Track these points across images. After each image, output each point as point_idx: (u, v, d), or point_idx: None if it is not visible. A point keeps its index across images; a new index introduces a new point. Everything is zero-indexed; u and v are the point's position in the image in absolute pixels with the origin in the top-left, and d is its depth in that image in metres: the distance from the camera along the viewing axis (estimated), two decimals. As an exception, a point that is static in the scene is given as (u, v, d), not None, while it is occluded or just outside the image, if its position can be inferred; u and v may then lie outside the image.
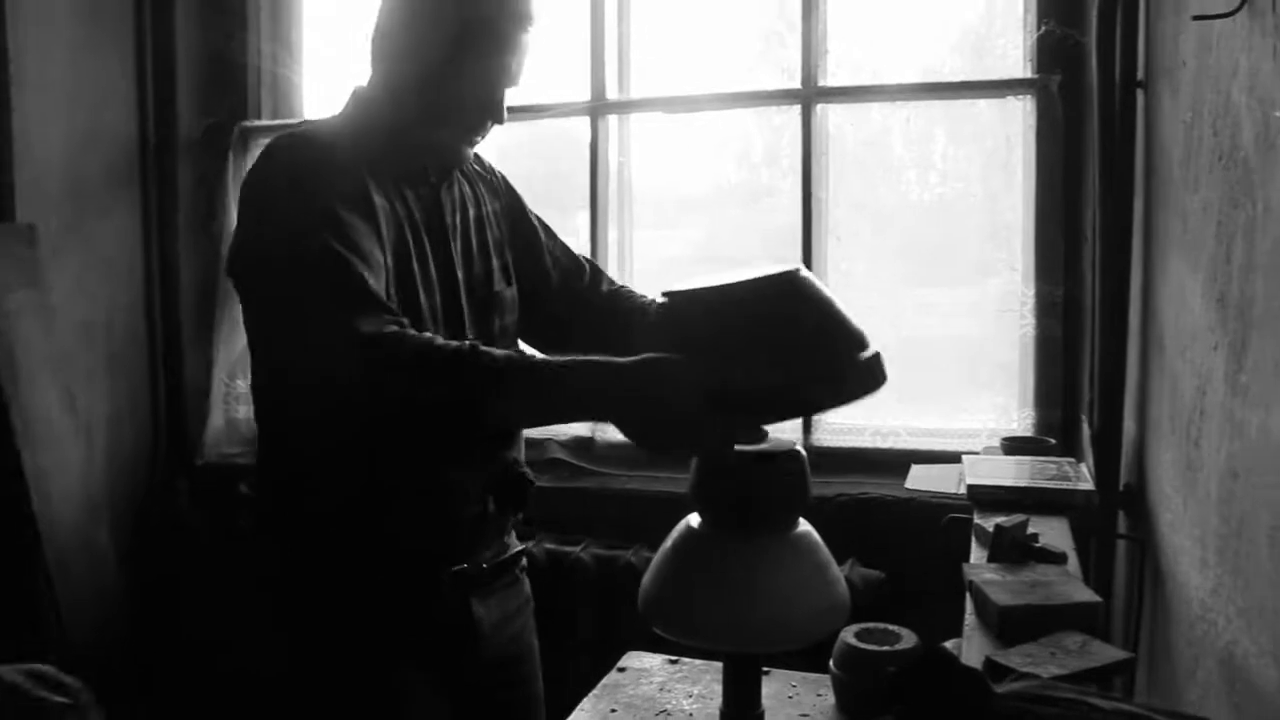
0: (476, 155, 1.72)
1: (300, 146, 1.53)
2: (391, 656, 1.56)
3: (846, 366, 1.34)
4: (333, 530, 1.55)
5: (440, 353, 1.33)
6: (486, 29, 1.53)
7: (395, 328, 1.36)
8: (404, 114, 1.56)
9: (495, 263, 1.70)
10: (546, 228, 1.83)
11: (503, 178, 1.81)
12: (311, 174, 1.46)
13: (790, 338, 1.33)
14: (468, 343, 1.36)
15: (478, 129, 1.60)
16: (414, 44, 1.54)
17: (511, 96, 1.61)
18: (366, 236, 1.44)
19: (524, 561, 1.78)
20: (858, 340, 1.38)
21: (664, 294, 1.45)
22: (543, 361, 1.39)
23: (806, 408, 1.34)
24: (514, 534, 1.76)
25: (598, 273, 1.87)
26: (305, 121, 1.60)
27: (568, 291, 1.80)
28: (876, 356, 1.37)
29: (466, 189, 1.70)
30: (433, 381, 1.34)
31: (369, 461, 1.51)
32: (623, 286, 1.86)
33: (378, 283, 1.41)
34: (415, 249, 1.54)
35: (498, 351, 1.36)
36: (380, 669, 1.55)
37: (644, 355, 1.34)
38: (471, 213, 1.68)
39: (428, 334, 1.38)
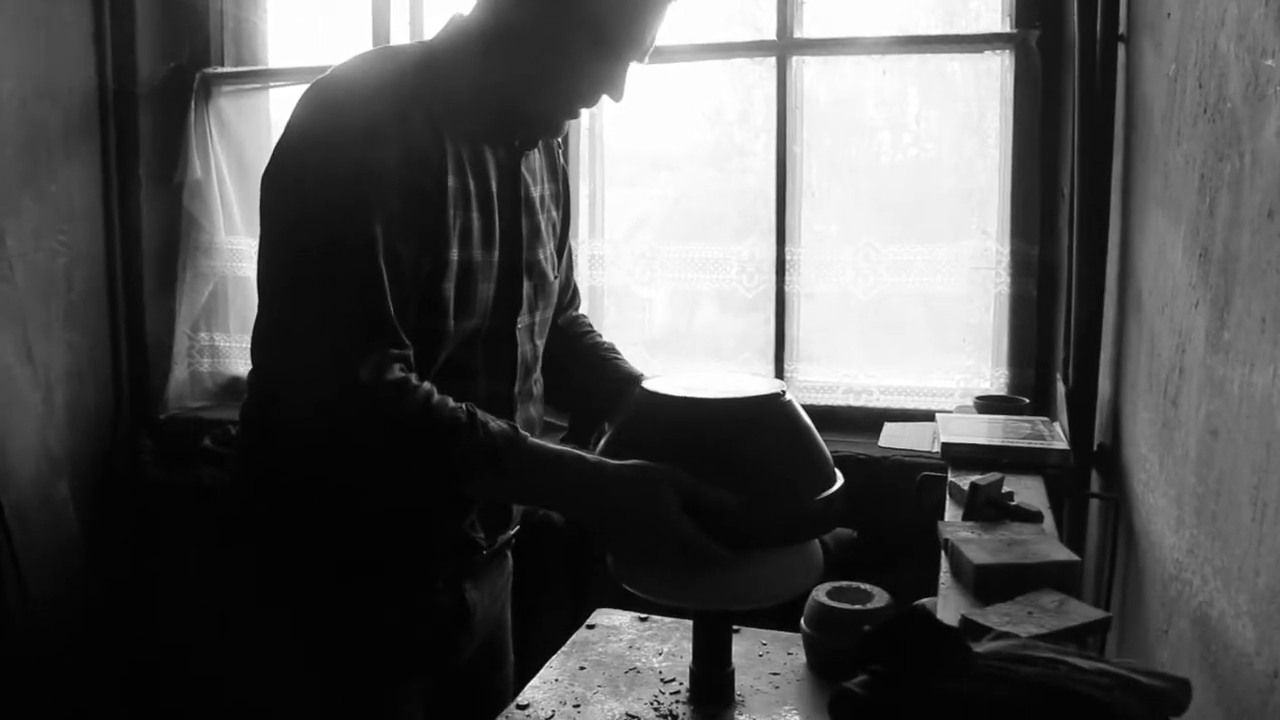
0: None
1: (380, 94, 1.33)
2: (382, 648, 1.48)
3: (797, 515, 1.37)
4: (319, 515, 1.45)
5: (437, 419, 1.27)
6: (646, 5, 1.37)
7: (399, 371, 1.27)
8: (511, 68, 1.39)
9: (550, 248, 1.60)
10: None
11: (561, 159, 1.68)
12: (381, 136, 1.29)
13: (757, 469, 1.35)
14: (465, 410, 1.29)
15: (590, 105, 1.46)
16: (549, 5, 1.35)
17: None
18: (415, 237, 1.31)
19: (514, 541, 1.71)
20: (824, 477, 1.41)
21: (644, 388, 1.45)
22: (537, 448, 1.33)
23: (751, 541, 1.35)
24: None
25: (576, 296, 1.83)
26: (378, 55, 1.43)
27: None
28: (837, 494, 1.40)
29: (538, 160, 1.58)
30: (422, 449, 1.28)
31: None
32: (580, 315, 1.83)
33: (405, 299, 1.31)
34: (483, 232, 1.42)
35: (494, 425, 1.30)
36: (370, 658, 1.48)
37: (633, 462, 1.33)
38: (538, 190, 1.56)
39: (427, 389, 1.29)
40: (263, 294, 1.36)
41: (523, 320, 1.53)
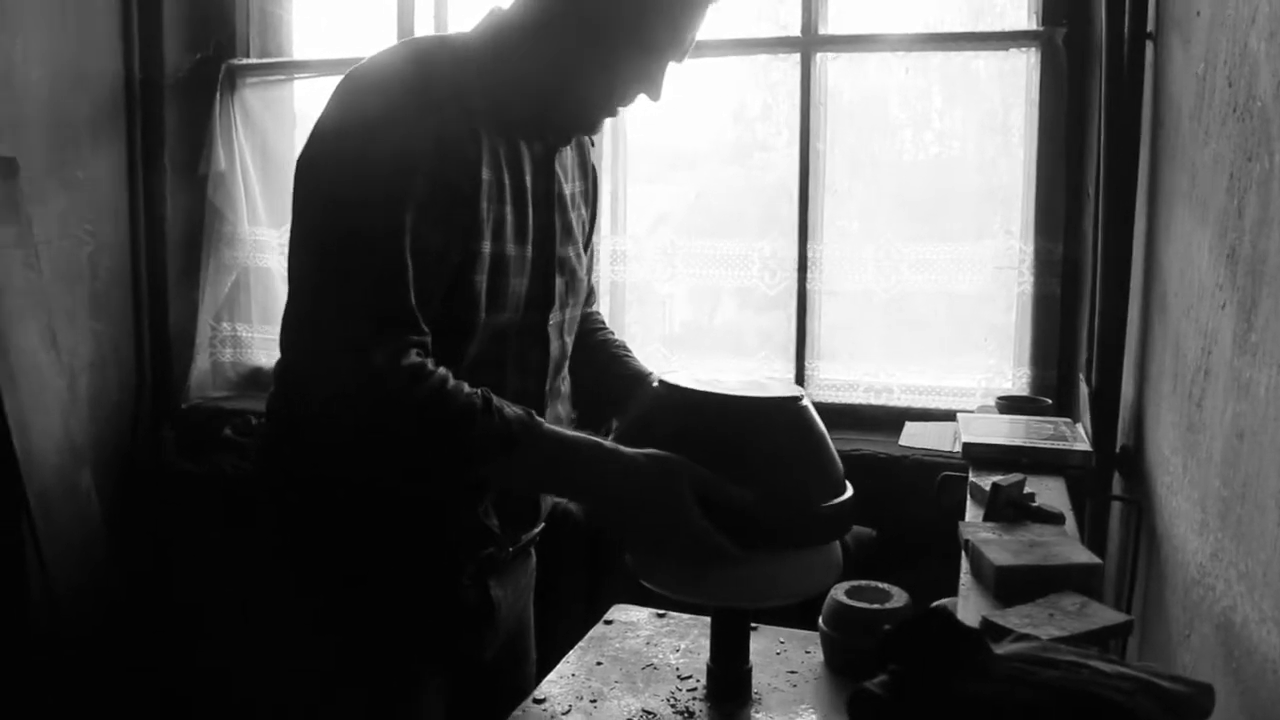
0: None
1: (417, 84, 1.32)
2: (406, 643, 1.48)
3: (805, 519, 1.37)
4: (344, 508, 1.44)
5: (452, 403, 1.26)
6: (689, 5, 1.37)
7: (415, 357, 1.27)
8: (552, 65, 1.39)
9: (580, 245, 1.59)
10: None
11: (592, 157, 1.67)
12: (417, 125, 1.29)
13: (768, 470, 1.35)
14: (480, 395, 1.28)
15: (627, 103, 1.45)
16: (592, 2, 1.36)
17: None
18: (445, 227, 1.30)
19: (538, 538, 1.69)
20: (834, 485, 1.40)
21: (663, 380, 1.44)
22: (553, 433, 1.32)
23: (759, 541, 1.34)
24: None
25: (593, 293, 1.81)
26: (417, 44, 1.46)
27: None
28: (847, 503, 1.40)
29: (570, 157, 1.57)
30: (437, 434, 1.27)
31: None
32: (594, 312, 1.81)
33: (429, 289, 1.30)
34: (516, 227, 1.42)
35: (509, 410, 1.29)
36: (393, 653, 1.47)
37: (650, 451, 1.32)
38: (569, 188, 1.55)
39: (442, 374, 1.28)
40: (291, 281, 1.37)
41: (554, 317, 1.52)
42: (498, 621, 1.58)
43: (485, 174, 1.35)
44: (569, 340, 1.60)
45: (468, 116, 1.34)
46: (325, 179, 1.33)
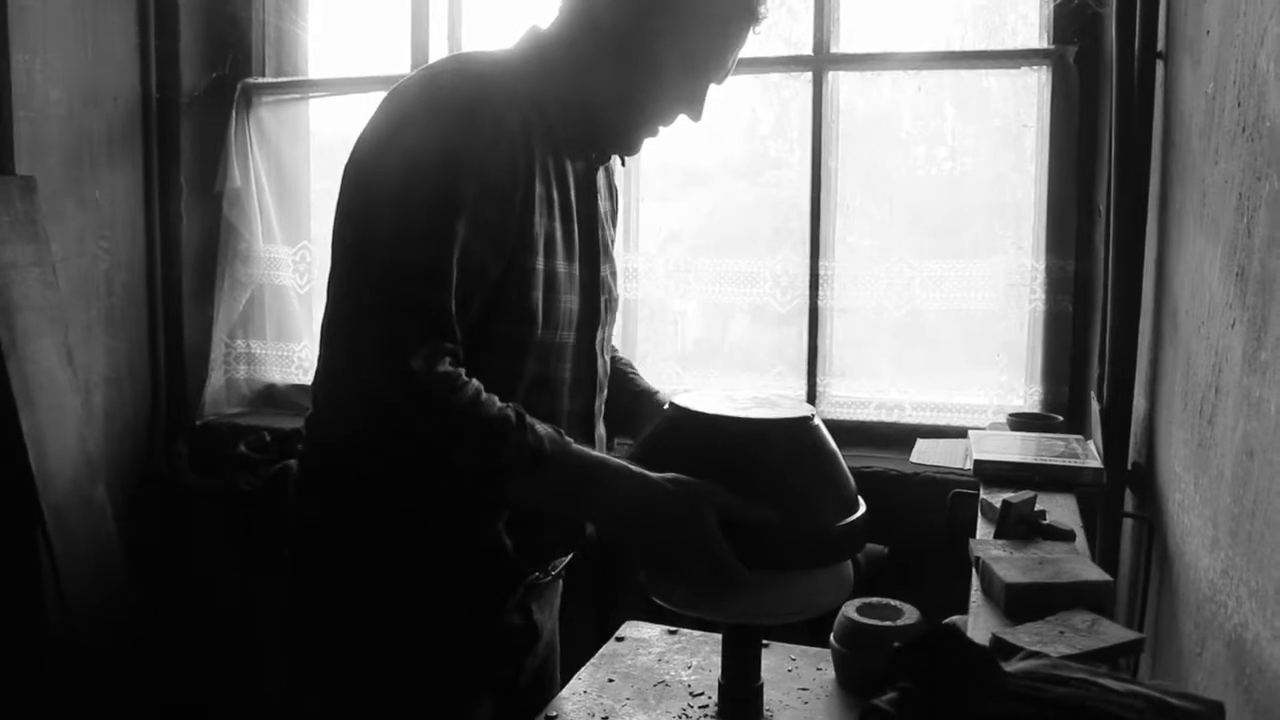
0: None
1: (469, 98, 1.32)
2: (453, 670, 1.45)
3: (817, 539, 1.36)
4: (390, 531, 1.41)
5: (486, 415, 1.25)
6: (732, 26, 1.40)
7: (449, 365, 1.25)
8: (601, 84, 1.40)
9: (613, 263, 1.60)
10: None
11: (615, 180, 1.68)
12: (469, 140, 1.29)
13: (781, 491, 1.34)
14: (513, 409, 1.27)
15: (668, 123, 1.47)
16: (636, 21, 1.36)
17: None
18: (493, 237, 1.30)
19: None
20: (846, 503, 1.40)
21: (674, 403, 1.44)
22: (582, 453, 1.31)
23: (770, 561, 1.34)
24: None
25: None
26: (468, 56, 1.46)
27: None
28: (859, 521, 1.39)
29: (601, 176, 1.56)
30: (467, 444, 1.25)
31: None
32: None
33: (467, 301, 1.29)
34: (565, 243, 1.42)
35: (540, 427, 1.28)
36: (442, 681, 1.45)
37: (674, 475, 1.31)
38: (602, 206, 1.55)
39: (476, 385, 1.26)
40: (331, 285, 1.35)
41: (599, 334, 1.53)
42: (539, 647, 1.58)
43: (538, 188, 1.35)
44: (608, 358, 1.60)
45: (521, 130, 1.34)
46: (375, 184, 1.32)
